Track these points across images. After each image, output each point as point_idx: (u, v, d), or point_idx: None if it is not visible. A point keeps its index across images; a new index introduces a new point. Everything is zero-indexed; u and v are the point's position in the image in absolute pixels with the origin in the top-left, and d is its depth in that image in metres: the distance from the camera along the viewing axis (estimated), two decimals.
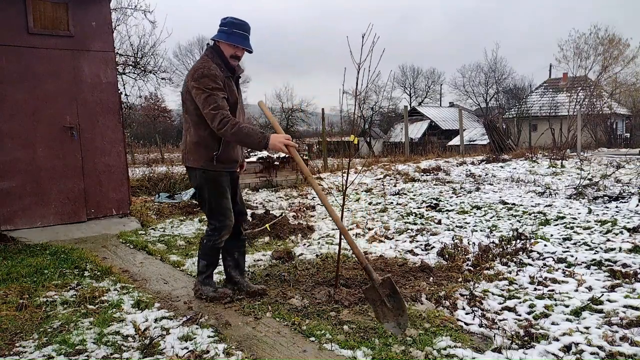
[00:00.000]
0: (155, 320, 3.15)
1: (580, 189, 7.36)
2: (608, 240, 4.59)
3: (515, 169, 11.17)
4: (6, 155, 5.47)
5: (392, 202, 7.48)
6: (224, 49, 3.35)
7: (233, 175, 3.58)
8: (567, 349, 2.61)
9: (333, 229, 5.67)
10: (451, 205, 6.90)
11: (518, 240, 4.62)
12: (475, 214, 6.33)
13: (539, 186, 8.28)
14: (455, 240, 4.79)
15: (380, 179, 10.33)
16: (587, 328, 2.82)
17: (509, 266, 4.04)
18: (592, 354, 2.54)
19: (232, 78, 3.39)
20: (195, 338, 2.86)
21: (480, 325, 2.94)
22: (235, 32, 3.31)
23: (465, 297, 3.37)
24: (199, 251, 3.56)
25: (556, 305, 3.18)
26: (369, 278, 2.98)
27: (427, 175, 10.54)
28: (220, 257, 3.65)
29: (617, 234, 4.77)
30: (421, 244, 4.89)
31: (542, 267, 3.99)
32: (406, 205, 7.19)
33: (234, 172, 3.59)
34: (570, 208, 6.20)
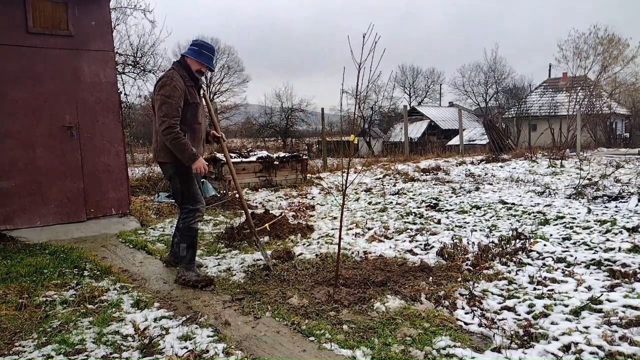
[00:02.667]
0: (155, 320, 3.15)
1: (579, 189, 7.37)
2: (607, 240, 4.60)
3: (514, 168, 11.18)
4: (6, 154, 5.46)
5: (391, 202, 7.48)
6: (191, 63, 3.92)
7: None
8: (566, 348, 2.62)
9: (333, 229, 5.67)
10: (451, 205, 6.90)
11: (517, 240, 4.63)
12: (474, 213, 6.34)
13: (538, 186, 8.29)
14: (455, 240, 4.79)
15: (379, 178, 10.33)
16: (586, 328, 2.82)
17: (509, 266, 4.04)
18: (591, 353, 2.55)
19: (194, 87, 3.93)
20: (194, 337, 2.86)
21: (480, 325, 2.94)
22: (204, 52, 3.91)
23: (464, 296, 3.37)
24: (179, 237, 3.99)
25: (555, 305, 3.19)
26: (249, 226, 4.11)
27: (426, 175, 10.54)
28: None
29: (616, 234, 4.77)
30: (420, 244, 4.89)
31: (541, 266, 3.99)
32: (406, 205, 7.19)
33: None
34: (569, 208, 6.20)
